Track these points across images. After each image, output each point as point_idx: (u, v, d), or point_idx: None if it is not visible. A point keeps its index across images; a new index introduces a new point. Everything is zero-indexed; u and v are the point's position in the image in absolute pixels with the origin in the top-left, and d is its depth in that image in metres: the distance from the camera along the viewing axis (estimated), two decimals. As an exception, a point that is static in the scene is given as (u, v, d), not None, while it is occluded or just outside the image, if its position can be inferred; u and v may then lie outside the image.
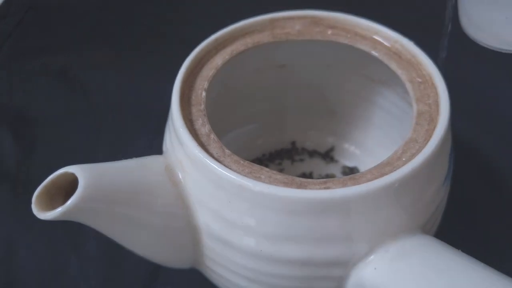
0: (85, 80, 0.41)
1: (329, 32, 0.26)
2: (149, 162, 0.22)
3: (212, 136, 0.21)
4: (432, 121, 0.22)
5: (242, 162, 0.20)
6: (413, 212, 0.20)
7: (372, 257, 0.19)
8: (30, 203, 0.18)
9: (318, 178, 0.20)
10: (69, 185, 0.19)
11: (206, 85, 0.24)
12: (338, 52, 0.27)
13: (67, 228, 0.30)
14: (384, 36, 0.26)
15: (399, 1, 0.49)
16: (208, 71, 0.24)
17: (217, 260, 0.21)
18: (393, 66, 0.24)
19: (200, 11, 0.48)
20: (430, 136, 0.21)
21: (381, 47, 0.25)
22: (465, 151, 0.34)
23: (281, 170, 0.32)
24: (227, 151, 0.21)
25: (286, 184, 0.19)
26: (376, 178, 0.19)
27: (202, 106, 0.23)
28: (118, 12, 0.49)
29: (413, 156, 0.20)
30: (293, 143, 0.34)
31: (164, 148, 0.24)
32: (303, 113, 0.33)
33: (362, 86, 0.30)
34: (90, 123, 0.37)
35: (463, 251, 0.19)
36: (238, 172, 0.20)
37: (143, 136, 0.36)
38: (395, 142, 0.30)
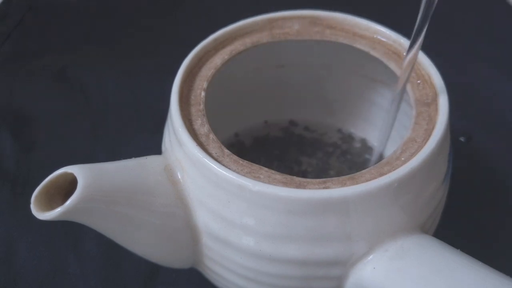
0: (84, 80, 0.41)
1: (328, 32, 0.26)
2: (149, 162, 0.22)
3: (211, 136, 0.22)
4: (431, 121, 0.22)
5: (241, 161, 0.20)
6: (412, 212, 0.20)
7: (371, 256, 0.19)
8: (30, 203, 0.18)
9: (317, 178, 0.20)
10: (69, 185, 0.19)
11: (205, 85, 0.24)
12: (337, 52, 0.27)
13: (67, 228, 0.30)
14: (383, 36, 0.26)
15: (398, 1, 0.49)
16: (207, 71, 0.25)
17: (216, 259, 0.21)
18: (392, 66, 0.24)
19: (200, 11, 0.48)
20: (429, 136, 0.21)
21: (380, 47, 0.25)
22: (464, 151, 0.34)
23: (278, 168, 0.32)
24: (226, 151, 0.21)
25: (285, 184, 0.19)
26: (375, 177, 0.19)
27: (201, 106, 0.23)
28: (118, 12, 0.49)
29: (412, 155, 0.20)
30: (293, 142, 0.34)
31: (163, 148, 0.24)
32: (302, 113, 0.33)
33: (361, 86, 0.30)
34: (89, 123, 0.37)
35: (462, 250, 0.19)
36: (237, 172, 0.20)
37: (142, 136, 0.36)
38: (394, 142, 0.30)
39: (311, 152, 0.33)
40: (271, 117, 0.33)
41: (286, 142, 0.34)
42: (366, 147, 0.32)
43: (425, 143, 0.20)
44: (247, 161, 0.20)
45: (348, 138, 0.33)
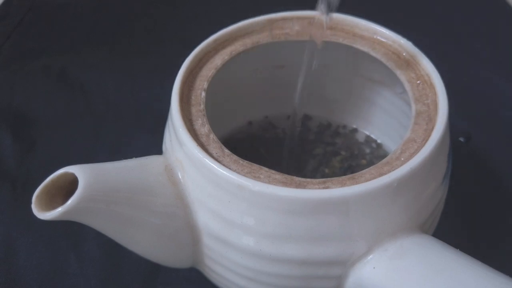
0: (84, 81, 0.41)
1: (328, 32, 0.26)
2: (149, 162, 0.22)
3: (212, 136, 0.22)
4: (431, 121, 0.22)
5: (241, 161, 0.20)
6: (411, 212, 0.20)
7: (371, 256, 0.19)
8: (30, 203, 0.18)
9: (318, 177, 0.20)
10: (69, 185, 0.19)
11: (205, 85, 0.24)
12: (336, 53, 0.28)
13: (67, 228, 0.30)
14: (383, 36, 0.26)
15: (398, 1, 0.49)
16: (208, 72, 0.25)
17: (216, 259, 0.22)
18: (392, 66, 0.24)
19: (200, 12, 0.48)
20: (429, 136, 0.21)
21: (380, 47, 0.25)
22: (463, 151, 0.34)
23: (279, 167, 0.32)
24: (226, 151, 0.21)
25: (285, 184, 0.19)
26: (375, 177, 0.19)
27: (202, 106, 0.23)
28: (118, 13, 0.49)
29: (411, 155, 0.20)
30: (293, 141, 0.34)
31: (163, 148, 0.24)
32: (301, 113, 0.33)
33: (361, 86, 0.30)
34: (90, 123, 0.37)
35: (461, 250, 0.19)
36: (238, 172, 0.20)
37: (143, 136, 0.36)
38: (394, 142, 0.30)
39: (311, 150, 0.33)
40: (270, 117, 0.33)
41: (284, 139, 0.34)
42: (365, 145, 0.32)
43: (425, 143, 0.20)
44: (247, 161, 0.20)
45: (348, 136, 0.33)
